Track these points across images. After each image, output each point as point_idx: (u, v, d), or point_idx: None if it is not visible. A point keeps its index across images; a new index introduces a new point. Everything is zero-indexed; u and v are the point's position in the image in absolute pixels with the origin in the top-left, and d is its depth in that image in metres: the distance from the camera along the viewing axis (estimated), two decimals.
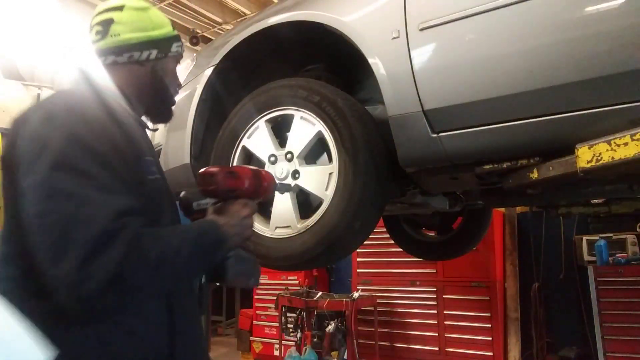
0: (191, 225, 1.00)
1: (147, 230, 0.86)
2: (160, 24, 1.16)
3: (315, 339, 4.20)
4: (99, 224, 0.79)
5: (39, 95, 4.90)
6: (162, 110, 1.21)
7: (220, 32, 6.02)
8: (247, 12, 5.84)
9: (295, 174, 1.54)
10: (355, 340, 4.10)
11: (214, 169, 1.06)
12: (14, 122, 0.92)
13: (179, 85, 1.24)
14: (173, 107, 1.22)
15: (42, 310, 0.82)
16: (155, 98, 1.16)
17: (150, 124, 1.21)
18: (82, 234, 0.78)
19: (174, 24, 1.23)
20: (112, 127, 0.93)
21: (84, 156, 0.84)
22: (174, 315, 0.97)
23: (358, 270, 4.79)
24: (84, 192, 0.81)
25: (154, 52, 1.13)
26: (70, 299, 0.78)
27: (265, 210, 1.60)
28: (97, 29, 1.11)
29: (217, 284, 1.15)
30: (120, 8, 1.12)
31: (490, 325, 4.03)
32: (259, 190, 1.09)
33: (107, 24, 1.10)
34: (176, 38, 1.19)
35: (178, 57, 1.21)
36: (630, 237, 3.93)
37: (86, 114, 0.91)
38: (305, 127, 1.55)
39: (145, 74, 1.13)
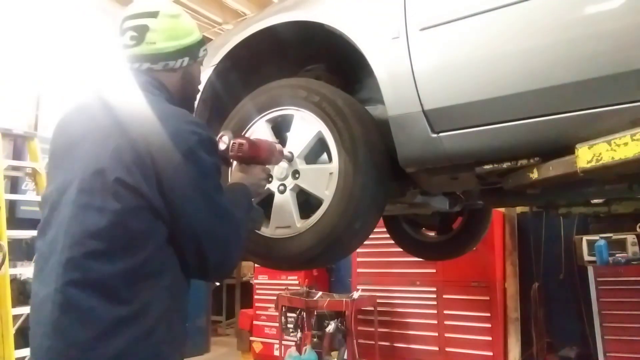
0: (241, 196, 1.26)
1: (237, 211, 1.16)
2: (191, 30, 1.23)
3: (315, 339, 4.20)
4: (240, 229, 1.15)
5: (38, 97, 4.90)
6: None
7: (220, 32, 6.02)
8: (247, 12, 5.84)
9: (295, 173, 1.53)
10: (355, 340, 4.10)
11: (242, 140, 1.30)
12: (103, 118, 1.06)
13: (200, 83, 1.34)
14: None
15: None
16: (183, 100, 1.23)
17: None
18: (235, 241, 1.13)
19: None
20: None
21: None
22: (185, 324, 1.15)
23: (358, 270, 4.79)
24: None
25: (186, 60, 1.21)
26: (217, 276, 1.15)
27: (265, 211, 1.60)
28: (132, 34, 1.16)
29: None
30: (154, 14, 1.16)
31: (490, 325, 4.03)
32: (271, 159, 1.38)
33: (142, 31, 1.15)
34: (202, 42, 1.27)
35: (202, 60, 1.30)
36: (630, 237, 3.93)
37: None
38: (305, 127, 1.55)
39: (177, 79, 1.22)
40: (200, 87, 1.36)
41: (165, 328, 1.02)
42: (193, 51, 1.23)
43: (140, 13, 1.17)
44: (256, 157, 1.33)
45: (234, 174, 1.35)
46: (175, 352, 1.07)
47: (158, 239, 1.02)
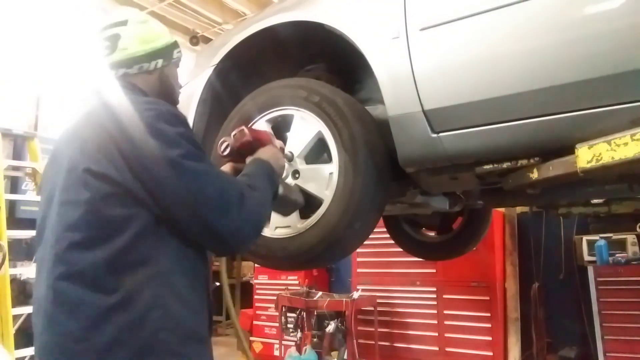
0: (256, 167, 1.25)
1: (243, 180, 1.16)
2: (161, 33, 1.29)
3: (315, 339, 4.20)
4: (237, 187, 1.09)
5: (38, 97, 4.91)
6: None
7: (220, 32, 6.02)
8: (247, 12, 5.84)
9: (295, 173, 1.54)
10: (355, 340, 4.10)
11: (242, 127, 1.34)
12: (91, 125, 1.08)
13: (180, 86, 1.37)
14: (177, 107, 1.33)
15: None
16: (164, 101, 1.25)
17: None
18: (232, 197, 1.06)
19: (173, 25, 1.33)
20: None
21: (197, 146, 1.09)
22: (210, 310, 1.15)
23: (358, 270, 4.79)
24: (214, 169, 1.09)
25: (160, 61, 1.26)
26: (237, 241, 1.08)
27: None
28: (106, 44, 1.23)
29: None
30: (124, 23, 1.24)
31: (490, 325, 4.03)
32: (270, 140, 1.39)
33: (114, 39, 1.22)
34: (176, 45, 1.33)
35: (178, 62, 1.34)
36: (630, 237, 3.93)
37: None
38: (305, 127, 1.55)
39: (154, 81, 1.26)
40: (181, 90, 1.38)
41: (160, 315, 0.99)
42: (166, 53, 1.28)
43: (111, 24, 1.24)
44: (260, 139, 1.34)
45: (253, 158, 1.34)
46: (186, 341, 1.03)
47: (137, 225, 1.01)
